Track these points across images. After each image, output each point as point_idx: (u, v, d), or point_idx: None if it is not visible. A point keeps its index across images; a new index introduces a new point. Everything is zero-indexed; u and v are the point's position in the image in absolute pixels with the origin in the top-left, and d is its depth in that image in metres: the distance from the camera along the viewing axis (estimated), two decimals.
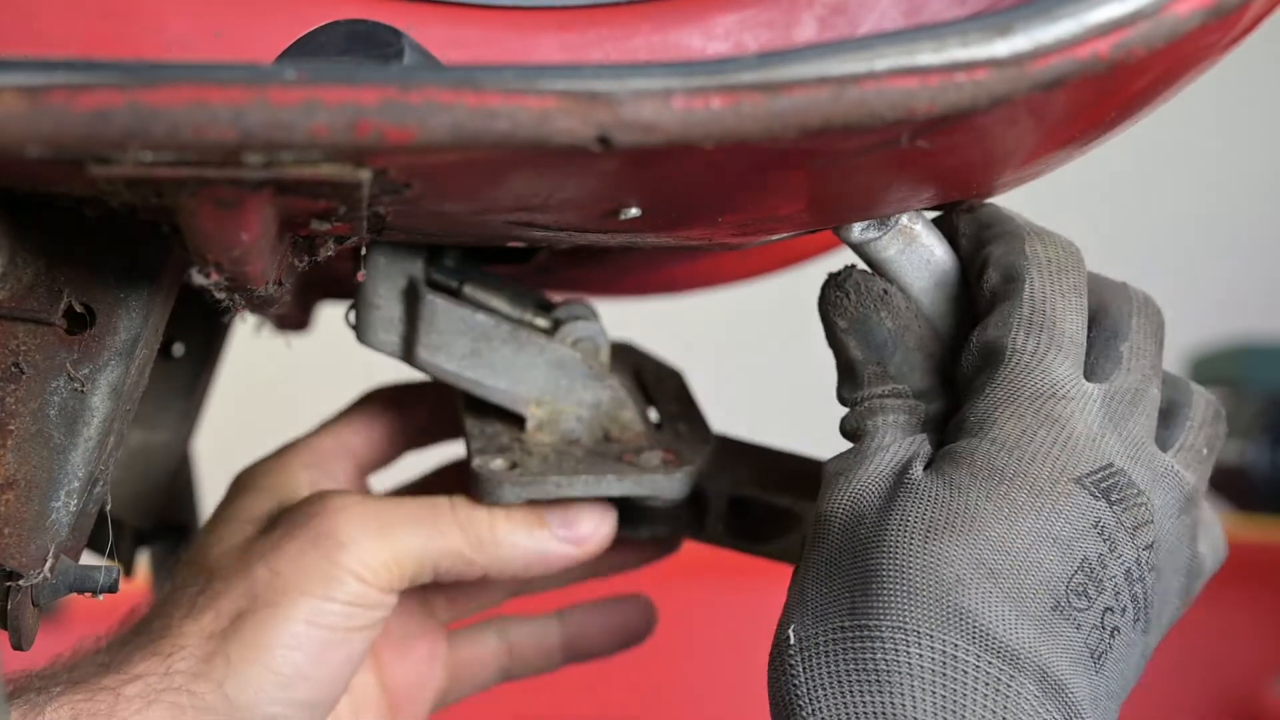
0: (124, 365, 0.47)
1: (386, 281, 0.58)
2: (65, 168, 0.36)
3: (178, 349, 0.71)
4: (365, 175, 0.36)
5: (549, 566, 0.58)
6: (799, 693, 0.44)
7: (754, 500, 0.60)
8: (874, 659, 0.43)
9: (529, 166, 0.38)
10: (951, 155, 0.43)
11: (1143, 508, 0.46)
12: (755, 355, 2.24)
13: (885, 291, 0.51)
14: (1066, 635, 0.44)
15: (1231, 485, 1.55)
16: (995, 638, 0.43)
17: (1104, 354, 0.49)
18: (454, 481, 0.65)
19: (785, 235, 0.55)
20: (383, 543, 0.55)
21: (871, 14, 0.51)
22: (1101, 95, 0.42)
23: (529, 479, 0.56)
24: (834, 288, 0.52)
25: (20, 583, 0.46)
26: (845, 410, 0.52)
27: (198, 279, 0.42)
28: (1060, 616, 0.44)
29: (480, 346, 0.58)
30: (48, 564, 0.46)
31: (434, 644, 0.65)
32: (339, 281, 0.69)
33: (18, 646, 0.50)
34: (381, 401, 0.65)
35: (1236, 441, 1.53)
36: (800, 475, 0.60)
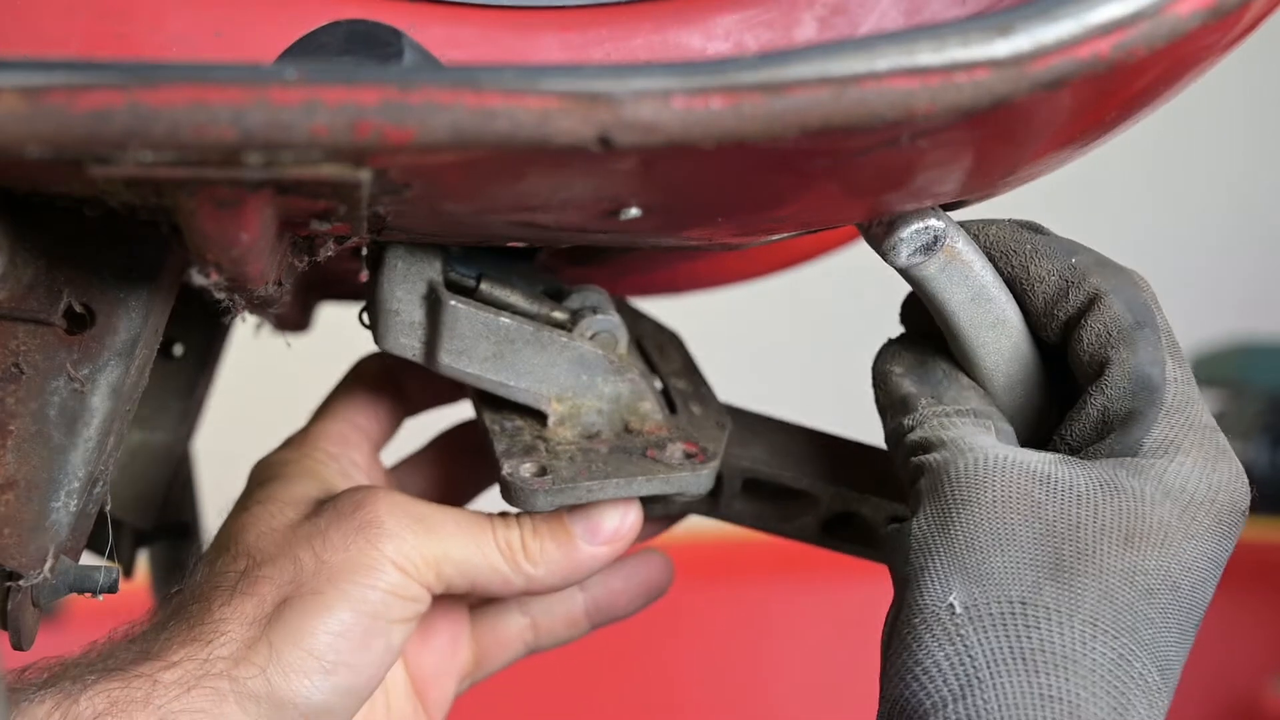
0: (124, 365, 0.47)
1: (405, 285, 0.57)
2: (65, 168, 0.36)
3: (178, 349, 0.71)
4: (365, 175, 0.36)
5: (588, 573, 0.59)
6: (976, 664, 0.44)
7: (769, 480, 0.61)
8: (1062, 645, 0.44)
9: (529, 167, 0.38)
10: (952, 155, 0.43)
11: None
12: (755, 355, 2.24)
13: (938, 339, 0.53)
14: (1185, 654, 0.47)
15: None
16: (1161, 652, 0.46)
17: None
18: (457, 452, 0.67)
19: (785, 235, 0.55)
20: (426, 539, 0.56)
21: (872, 14, 0.51)
22: (1102, 95, 0.42)
23: (561, 485, 0.56)
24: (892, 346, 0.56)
25: (20, 583, 0.46)
26: (907, 423, 0.53)
27: (198, 279, 0.42)
28: (1192, 639, 0.47)
29: (503, 349, 0.58)
30: (48, 564, 0.46)
31: (457, 627, 0.65)
32: (339, 281, 0.69)
33: (18, 646, 0.50)
34: (374, 374, 0.66)
35: (1236, 441, 1.53)
36: (815, 454, 0.61)
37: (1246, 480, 0.49)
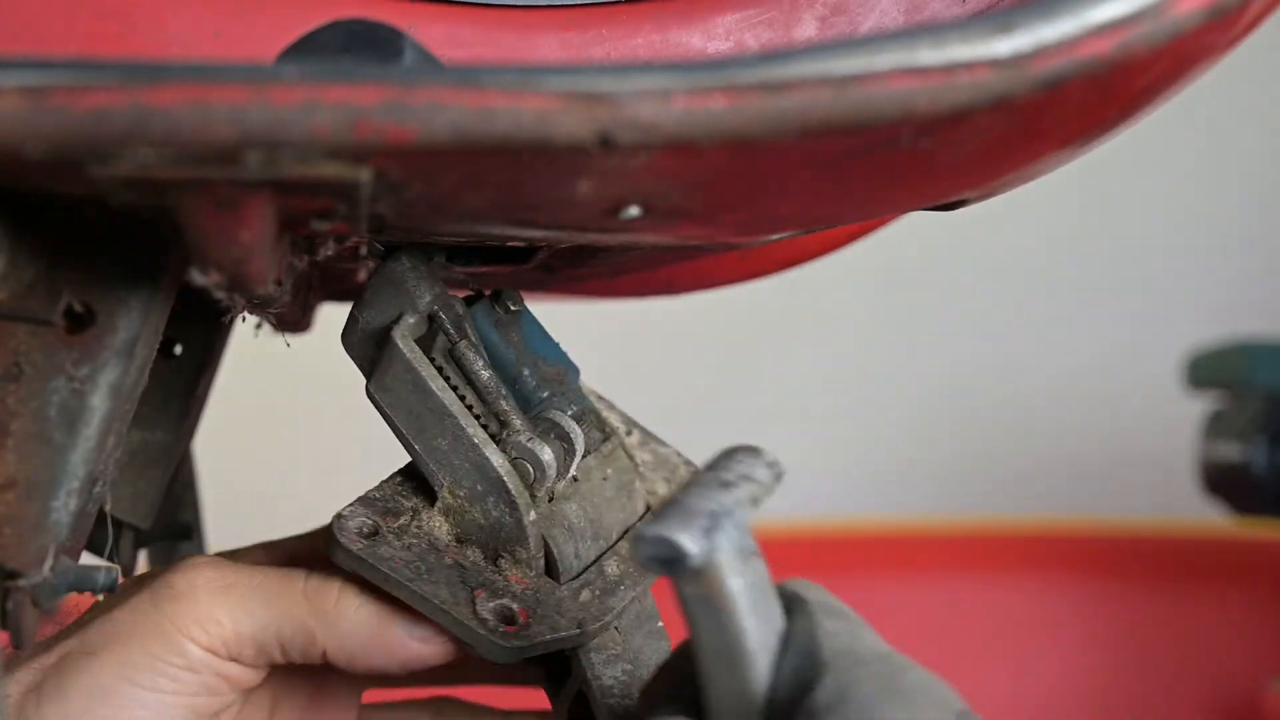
0: (124, 365, 0.47)
1: (390, 290, 0.56)
2: (66, 168, 0.36)
3: (178, 349, 0.71)
4: (365, 175, 0.36)
5: (394, 657, 0.54)
6: None
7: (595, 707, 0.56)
8: None
9: (529, 166, 0.38)
10: (953, 155, 0.43)
11: None
12: (755, 355, 2.24)
13: None
14: None
15: (1231, 485, 1.55)
16: None
17: None
18: None
19: (785, 235, 0.55)
20: (222, 599, 0.52)
21: (872, 13, 0.51)
22: (1103, 95, 0.42)
23: (367, 552, 0.54)
24: None
25: (20, 583, 0.46)
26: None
27: (198, 279, 0.42)
28: None
29: (422, 414, 0.55)
30: (47, 564, 0.46)
31: None
32: (340, 281, 0.69)
33: (17, 646, 0.50)
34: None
35: (1236, 441, 1.53)
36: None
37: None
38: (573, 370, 0.60)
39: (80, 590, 0.50)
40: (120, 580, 0.51)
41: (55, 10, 0.48)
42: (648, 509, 0.60)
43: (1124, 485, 2.16)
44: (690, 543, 0.42)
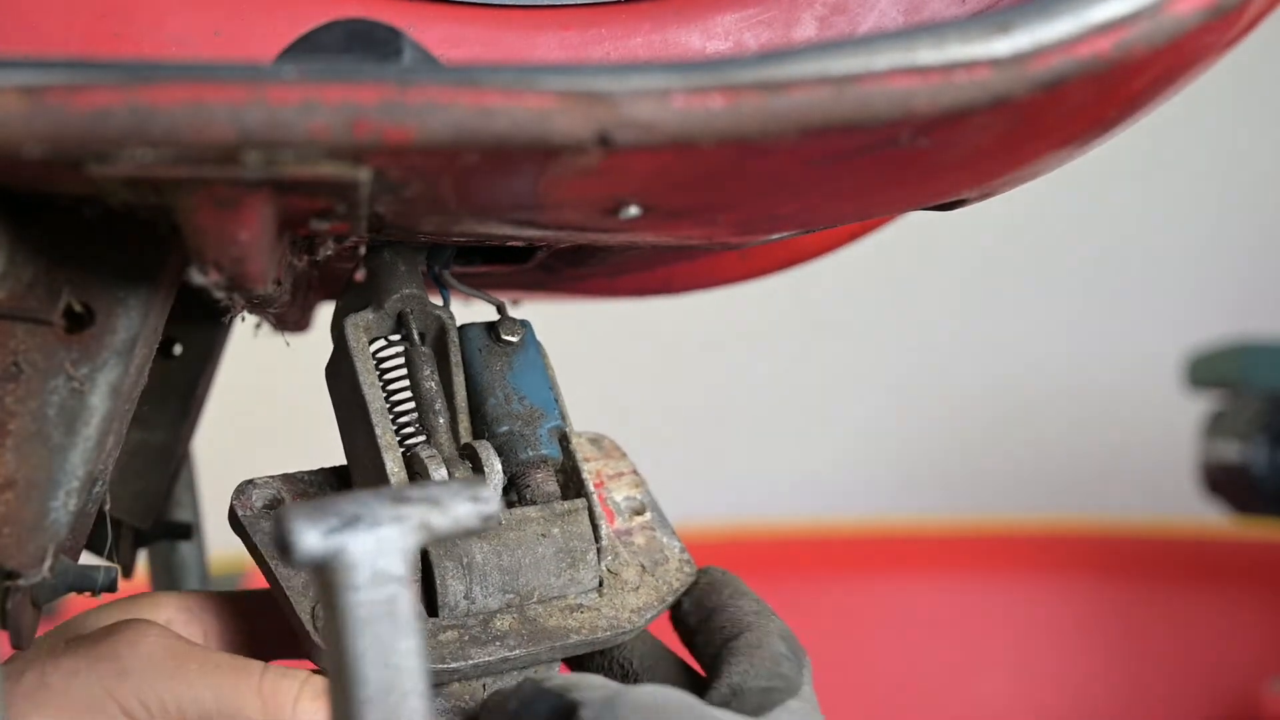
0: (123, 365, 0.47)
1: (368, 281, 0.56)
2: (64, 167, 0.36)
3: (177, 349, 0.71)
4: (364, 174, 0.36)
5: None
6: None
7: None
8: None
9: (528, 165, 0.38)
10: (952, 154, 0.43)
11: None
12: (755, 355, 2.24)
13: None
14: None
15: (1231, 485, 1.55)
16: None
17: None
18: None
19: (785, 235, 0.55)
20: (170, 681, 0.49)
21: (872, 13, 0.51)
22: (1102, 94, 0.42)
23: (250, 520, 0.53)
24: None
25: (19, 582, 0.46)
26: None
27: (197, 278, 0.42)
28: None
29: (350, 408, 0.54)
30: (47, 564, 0.46)
31: None
32: (340, 281, 0.69)
33: (17, 646, 0.50)
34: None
35: (1236, 441, 1.53)
36: None
37: None
38: (551, 418, 0.57)
39: (80, 590, 0.50)
40: (118, 580, 0.51)
41: (54, 10, 0.48)
42: (600, 584, 0.56)
43: (1124, 485, 2.16)
44: (302, 533, 0.38)
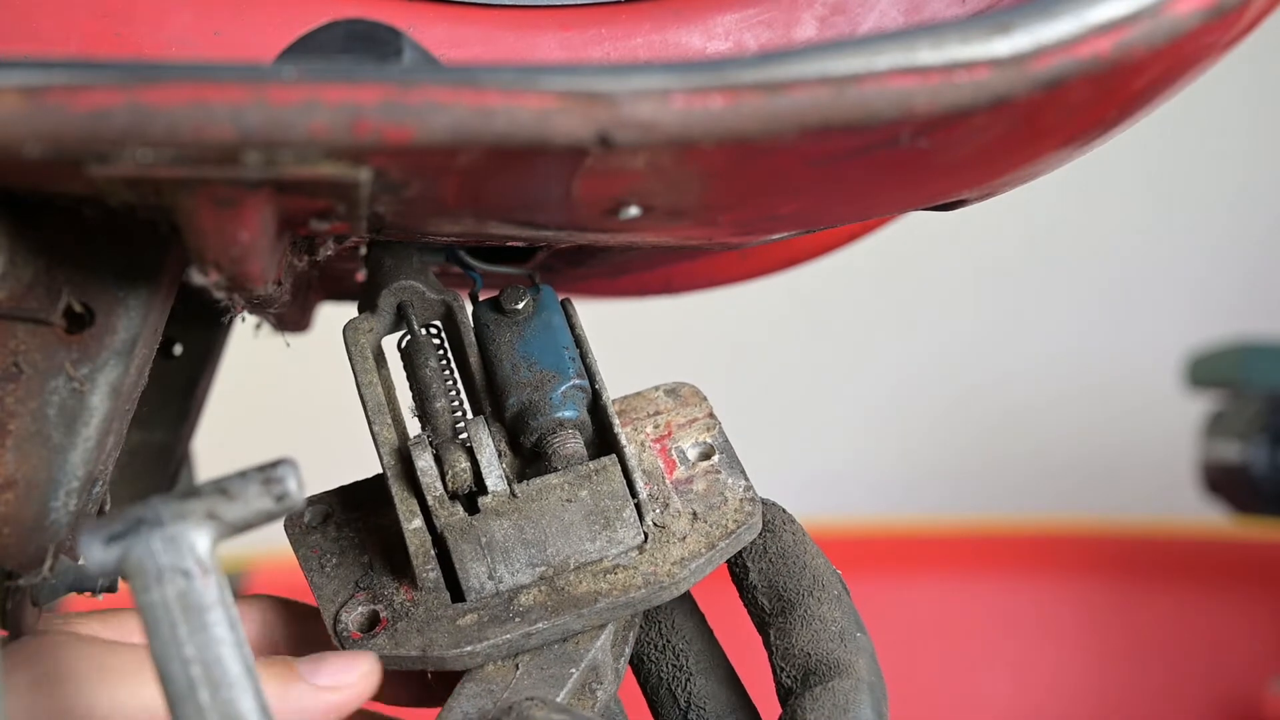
0: (123, 365, 0.47)
1: (370, 281, 0.56)
2: (65, 167, 0.36)
3: (177, 349, 0.71)
4: (364, 174, 0.36)
5: (307, 715, 0.50)
6: None
7: None
8: None
9: (528, 165, 0.38)
10: (952, 154, 0.43)
11: None
12: (755, 356, 2.24)
13: None
14: None
15: (1231, 485, 1.55)
16: None
17: None
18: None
19: (785, 235, 0.55)
20: (102, 687, 0.48)
21: (872, 13, 0.51)
22: (1102, 94, 0.42)
23: (295, 534, 0.55)
24: None
25: (20, 582, 0.46)
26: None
27: (197, 278, 0.42)
28: None
29: (364, 405, 0.55)
30: (47, 564, 0.46)
31: None
32: (340, 281, 0.69)
33: None
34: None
35: (1237, 441, 1.53)
36: None
37: None
38: (565, 378, 0.55)
39: (79, 590, 0.50)
40: (119, 581, 0.51)
41: (54, 9, 0.48)
42: (645, 539, 0.54)
43: (1124, 485, 2.16)
44: (88, 546, 0.39)
